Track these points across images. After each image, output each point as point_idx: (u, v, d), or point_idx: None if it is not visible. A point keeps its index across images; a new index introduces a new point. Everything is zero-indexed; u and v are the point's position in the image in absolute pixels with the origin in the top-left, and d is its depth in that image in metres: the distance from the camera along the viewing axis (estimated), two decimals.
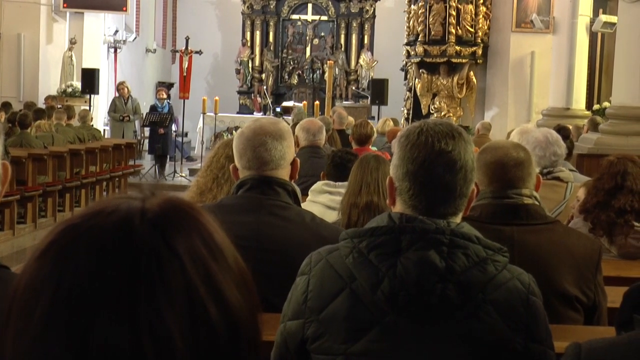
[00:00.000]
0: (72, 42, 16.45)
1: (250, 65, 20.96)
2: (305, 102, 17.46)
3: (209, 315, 0.88)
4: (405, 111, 16.86)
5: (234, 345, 0.90)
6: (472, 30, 15.76)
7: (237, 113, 20.08)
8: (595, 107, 14.11)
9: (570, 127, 8.35)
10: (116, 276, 0.84)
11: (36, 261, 0.88)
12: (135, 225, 0.87)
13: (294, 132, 7.76)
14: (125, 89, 16.05)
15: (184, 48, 17.34)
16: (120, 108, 15.89)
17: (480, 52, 15.89)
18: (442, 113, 15.53)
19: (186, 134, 18.65)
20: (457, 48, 15.64)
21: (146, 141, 17.07)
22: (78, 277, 0.85)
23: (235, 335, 0.90)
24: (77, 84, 16.16)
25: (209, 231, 0.91)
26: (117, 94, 16.38)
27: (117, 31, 18.65)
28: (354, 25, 20.91)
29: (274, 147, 2.78)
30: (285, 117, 14.86)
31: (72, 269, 0.85)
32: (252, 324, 0.93)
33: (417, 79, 16.11)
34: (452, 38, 15.60)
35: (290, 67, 21.36)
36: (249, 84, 21.00)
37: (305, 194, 4.44)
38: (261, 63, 21.07)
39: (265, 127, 2.82)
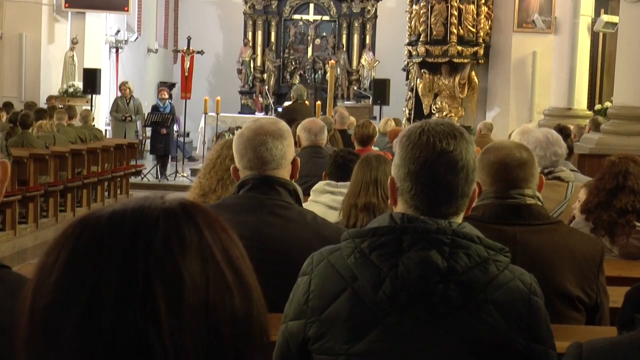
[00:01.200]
0: (74, 42, 16.46)
1: (251, 65, 20.96)
2: (307, 102, 17.44)
3: (227, 280, 0.90)
4: (407, 111, 16.85)
5: (247, 322, 0.91)
6: (473, 30, 15.74)
7: (239, 113, 20.06)
8: (597, 107, 14.07)
9: (572, 127, 8.34)
10: (131, 232, 0.89)
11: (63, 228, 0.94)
12: (156, 203, 0.92)
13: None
14: (128, 89, 16.07)
15: (185, 48, 17.35)
16: (123, 108, 15.90)
17: (481, 52, 15.87)
18: (444, 113, 15.50)
19: (188, 134, 18.66)
20: (459, 48, 15.62)
21: (148, 141, 17.07)
22: (95, 235, 0.90)
23: (248, 314, 0.92)
24: (79, 84, 16.17)
25: (224, 225, 0.96)
26: (119, 94, 16.38)
27: (118, 31, 18.65)
28: (356, 25, 20.90)
29: (274, 147, 2.78)
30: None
31: (92, 231, 0.91)
32: (264, 311, 0.95)
33: (418, 79, 16.10)
34: (454, 38, 15.58)
35: (292, 67, 21.36)
36: (251, 84, 20.99)
37: (306, 194, 4.44)
38: (263, 63, 21.07)
39: (265, 127, 2.81)
